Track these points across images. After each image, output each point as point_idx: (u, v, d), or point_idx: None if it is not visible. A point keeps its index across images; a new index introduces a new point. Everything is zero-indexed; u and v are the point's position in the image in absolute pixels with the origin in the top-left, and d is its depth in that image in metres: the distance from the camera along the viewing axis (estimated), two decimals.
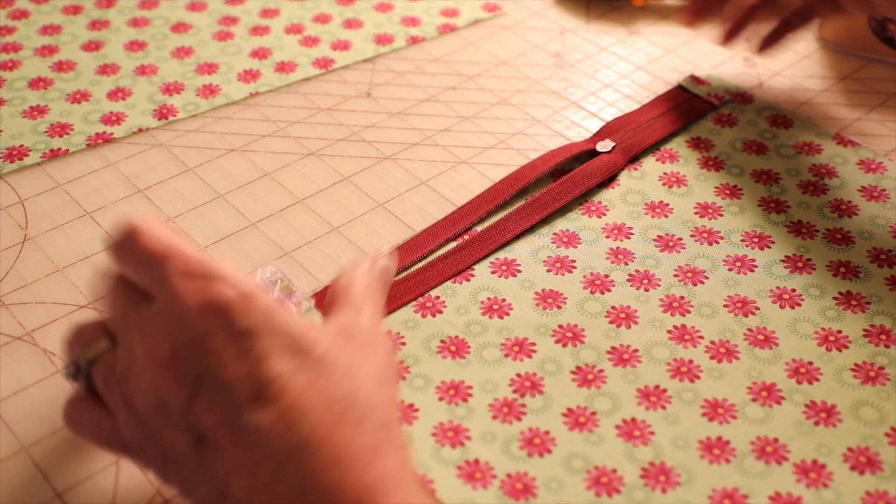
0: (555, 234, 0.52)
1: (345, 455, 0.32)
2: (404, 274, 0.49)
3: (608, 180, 0.55)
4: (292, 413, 0.32)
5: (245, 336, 0.32)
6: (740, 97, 0.61)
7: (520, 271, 0.49)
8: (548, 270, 0.50)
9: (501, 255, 0.50)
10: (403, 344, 0.46)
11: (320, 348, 0.33)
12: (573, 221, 0.53)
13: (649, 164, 0.57)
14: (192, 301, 0.32)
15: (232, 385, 0.32)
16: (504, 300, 0.48)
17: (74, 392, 0.36)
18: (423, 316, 0.47)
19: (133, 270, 0.34)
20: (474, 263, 0.50)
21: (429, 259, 0.50)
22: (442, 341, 0.46)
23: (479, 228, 0.52)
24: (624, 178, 0.56)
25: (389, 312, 0.47)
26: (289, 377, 0.32)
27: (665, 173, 0.56)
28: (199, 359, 0.32)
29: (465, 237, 0.51)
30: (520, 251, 0.51)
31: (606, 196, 0.54)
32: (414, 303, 0.48)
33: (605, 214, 0.53)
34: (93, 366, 0.35)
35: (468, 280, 0.49)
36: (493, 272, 0.49)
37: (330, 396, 0.32)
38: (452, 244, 0.51)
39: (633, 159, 0.57)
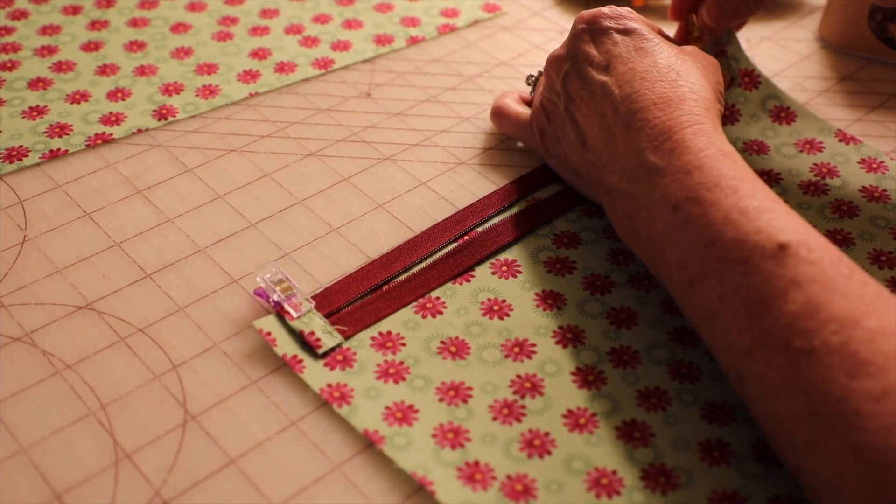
0: (555, 234, 0.52)
1: (662, 97, 0.45)
2: (405, 275, 0.49)
3: None
4: (627, 75, 0.47)
5: (603, 33, 0.49)
6: (748, 77, 0.60)
7: (520, 272, 0.49)
8: (548, 271, 0.50)
9: (502, 255, 0.50)
10: (403, 345, 0.45)
11: (653, 37, 0.49)
12: (574, 222, 0.53)
13: None
14: (578, 17, 0.51)
15: (590, 60, 0.49)
16: (504, 301, 0.48)
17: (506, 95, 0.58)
18: (424, 317, 0.47)
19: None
20: (475, 264, 0.50)
21: (429, 260, 0.50)
22: (442, 342, 0.46)
23: (479, 229, 0.52)
24: None
25: (389, 313, 0.47)
26: (628, 56, 0.48)
27: None
28: (572, 49, 0.50)
29: (466, 238, 0.51)
30: (520, 252, 0.51)
31: None
32: (414, 303, 0.48)
33: (605, 215, 0.53)
34: (538, 78, 0.56)
35: (468, 281, 0.49)
36: (493, 273, 0.49)
37: (658, 64, 0.47)
38: (453, 245, 0.51)
39: None
